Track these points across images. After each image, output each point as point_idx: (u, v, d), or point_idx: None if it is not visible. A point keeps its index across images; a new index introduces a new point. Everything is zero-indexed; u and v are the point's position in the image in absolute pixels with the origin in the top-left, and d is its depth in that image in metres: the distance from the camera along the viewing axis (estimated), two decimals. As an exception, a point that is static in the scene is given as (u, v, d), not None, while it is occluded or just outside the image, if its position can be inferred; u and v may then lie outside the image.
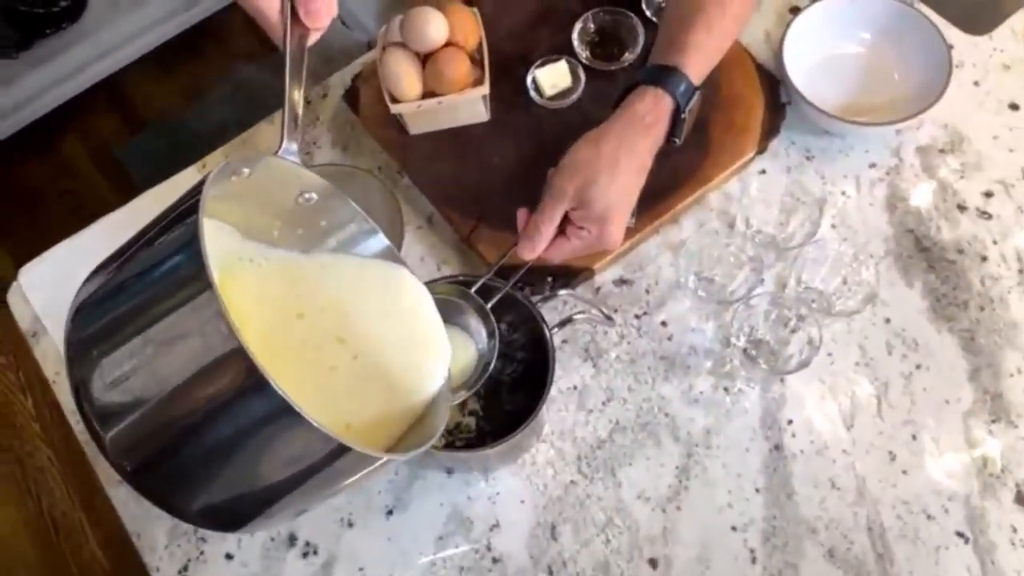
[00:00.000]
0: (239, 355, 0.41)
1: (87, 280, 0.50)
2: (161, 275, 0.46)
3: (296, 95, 0.54)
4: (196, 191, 0.46)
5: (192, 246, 0.43)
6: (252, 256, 0.54)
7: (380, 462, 0.48)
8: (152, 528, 0.73)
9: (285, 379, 0.42)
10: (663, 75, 0.70)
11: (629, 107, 0.70)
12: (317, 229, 0.57)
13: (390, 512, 0.72)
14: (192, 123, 1.98)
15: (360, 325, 0.56)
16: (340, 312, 0.56)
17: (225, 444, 0.44)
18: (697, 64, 0.70)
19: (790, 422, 0.73)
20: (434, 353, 0.59)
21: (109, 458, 0.46)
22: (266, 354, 0.42)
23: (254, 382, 0.41)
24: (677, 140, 0.72)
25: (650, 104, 0.69)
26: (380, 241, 0.59)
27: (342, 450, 0.44)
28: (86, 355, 0.46)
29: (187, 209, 0.46)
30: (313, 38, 0.58)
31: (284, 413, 0.41)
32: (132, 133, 2.00)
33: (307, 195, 0.56)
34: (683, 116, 0.70)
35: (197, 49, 2.06)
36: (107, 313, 0.47)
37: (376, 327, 0.57)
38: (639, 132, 0.69)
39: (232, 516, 0.49)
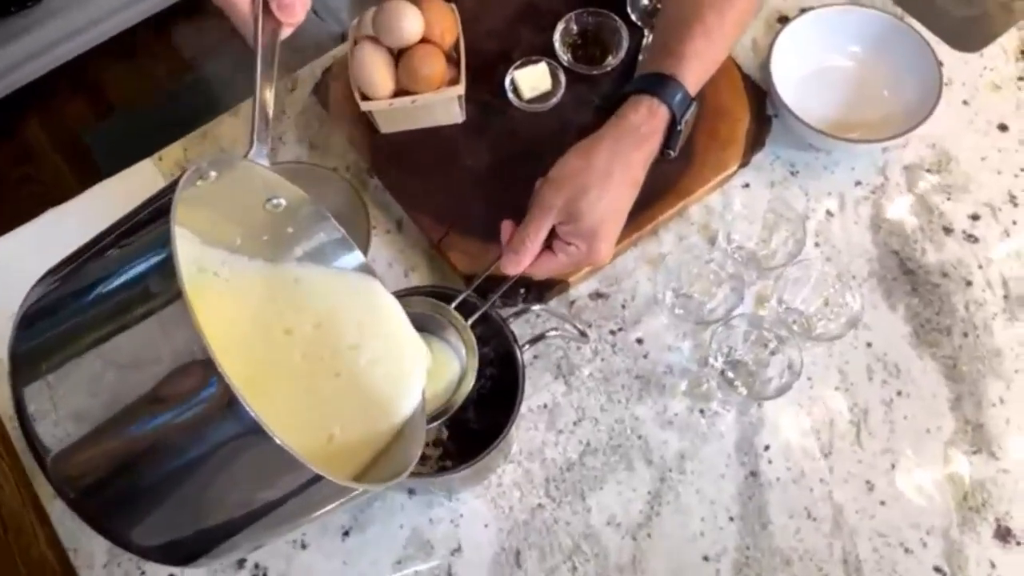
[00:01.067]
0: (210, 373, 0.37)
1: (36, 285, 0.46)
2: (123, 285, 0.42)
3: (267, 94, 0.51)
4: (165, 193, 0.43)
5: (161, 257, 0.40)
6: (217, 268, 0.51)
7: (354, 493, 0.45)
8: (89, 544, 0.69)
9: (263, 400, 0.39)
10: (659, 84, 0.67)
11: (623, 117, 0.66)
12: (283, 236, 0.53)
13: (346, 533, 0.68)
14: (160, 111, 1.91)
15: (348, 338, 0.54)
16: (334, 324, 0.53)
17: (187, 473, 0.41)
18: (694, 73, 0.67)
19: (767, 448, 0.70)
20: (411, 370, 0.56)
21: (51, 481, 0.42)
22: (241, 373, 0.39)
23: (226, 403, 0.38)
24: (672, 152, 0.69)
25: (645, 115, 0.66)
26: (354, 255, 0.55)
27: (314, 479, 0.40)
28: (33, 368, 0.42)
29: (154, 214, 0.43)
30: (285, 33, 0.55)
31: (256, 438, 0.38)
32: (98, 119, 1.93)
33: (276, 201, 0.53)
34: (679, 128, 0.67)
35: (167, 34, 1.99)
36: (59, 324, 0.43)
37: (358, 341, 0.54)
38: (633, 144, 0.66)
39: (187, 551, 0.45)
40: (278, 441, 0.38)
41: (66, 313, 0.43)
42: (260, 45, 0.50)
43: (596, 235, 0.64)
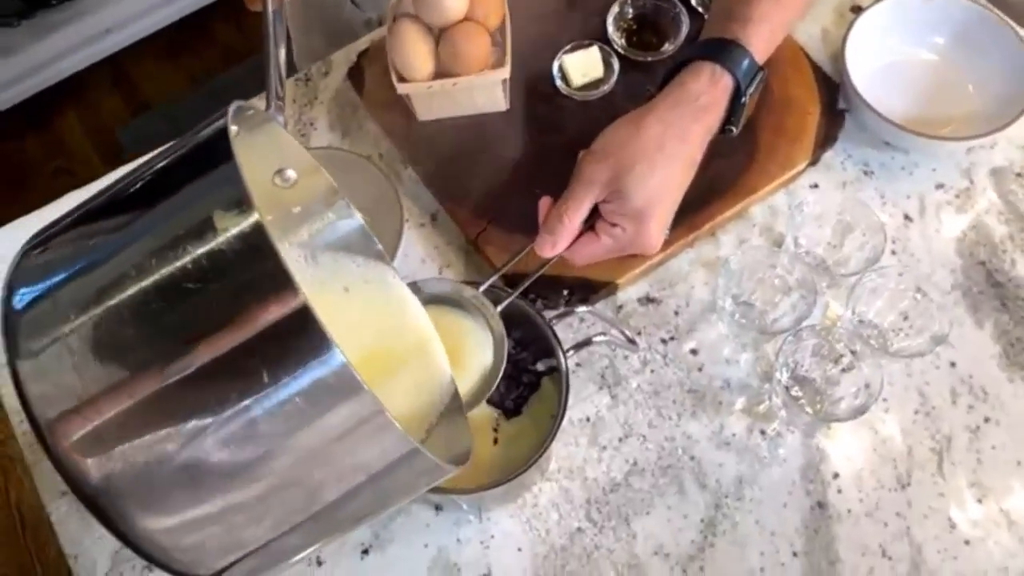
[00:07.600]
0: (302, 314, 0.33)
1: (34, 238, 0.40)
2: (177, 218, 0.37)
3: (280, 54, 0.47)
4: (212, 123, 0.38)
5: (229, 186, 0.35)
6: None
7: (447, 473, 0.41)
8: (91, 551, 0.64)
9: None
10: (722, 50, 0.59)
11: (680, 85, 0.59)
12: (288, 217, 0.48)
13: (366, 551, 0.62)
14: (196, 109, 1.89)
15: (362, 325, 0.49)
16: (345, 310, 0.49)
17: (248, 447, 0.35)
18: (761, 38, 0.60)
19: (836, 476, 0.63)
20: (432, 353, 0.52)
21: (64, 472, 0.35)
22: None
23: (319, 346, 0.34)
24: (734, 129, 0.62)
25: (706, 83, 0.59)
26: (368, 239, 0.50)
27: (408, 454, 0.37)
28: (41, 332, 0.36)
29: (205, 145, 0.38)
30: None
31: (358, 399, 0.35)
32: (134, 115, 1.92)
33: (287, 174, 0.47)
34: (743, 100, 0.60)
35: (206, 32, 1.98)
36: (84, 270, 0.37)
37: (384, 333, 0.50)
38: (691, 115, 0.58)
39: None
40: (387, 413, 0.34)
41: (95, 256, 0.37)
42: (270, 5, 0.47)
43: (644, 216, 0.57)
